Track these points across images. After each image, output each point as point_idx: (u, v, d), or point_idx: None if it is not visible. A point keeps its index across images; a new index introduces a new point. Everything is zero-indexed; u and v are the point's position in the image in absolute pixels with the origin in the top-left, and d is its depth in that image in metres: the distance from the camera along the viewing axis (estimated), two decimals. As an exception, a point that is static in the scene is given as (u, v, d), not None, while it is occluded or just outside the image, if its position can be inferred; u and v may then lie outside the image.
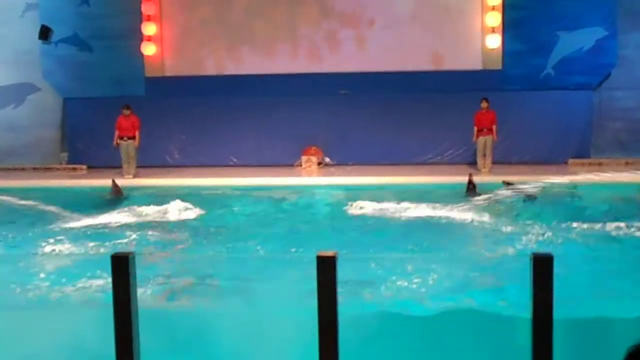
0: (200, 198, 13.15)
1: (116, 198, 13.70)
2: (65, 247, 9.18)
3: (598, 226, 10.00)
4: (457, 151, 17.81)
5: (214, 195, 13.60)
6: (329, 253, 4.63)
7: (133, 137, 16.30)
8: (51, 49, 18.98)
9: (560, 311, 4.20)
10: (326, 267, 4.57)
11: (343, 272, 4.44)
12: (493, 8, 17.59)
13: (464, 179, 13.69)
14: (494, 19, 17.56)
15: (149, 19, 18.57)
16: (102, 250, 8.93)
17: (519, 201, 11.94)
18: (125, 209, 12.17)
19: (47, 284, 7.25)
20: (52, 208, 11.17)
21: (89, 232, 10.24)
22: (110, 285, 4.62)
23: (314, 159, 17.79)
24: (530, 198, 12.14)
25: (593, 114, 17.62)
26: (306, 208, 12.65)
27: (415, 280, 7.13)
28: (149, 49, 18.61)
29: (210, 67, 18.90)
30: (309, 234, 10.37)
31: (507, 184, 12.68)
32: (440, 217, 11.00)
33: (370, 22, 18.21)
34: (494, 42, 17.65)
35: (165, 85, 18.74)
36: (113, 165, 16.87)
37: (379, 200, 12.32)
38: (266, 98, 18.14)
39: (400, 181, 14.98)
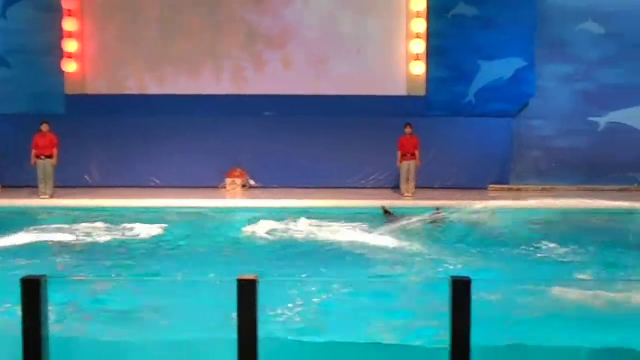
0: (118, 219, 12.84)
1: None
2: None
3: (504, 250, 10.37)
4: (381, 175, 17.96)
5: (132, 216, 13.26)
6: (250, 277, 4.56)
7: (51, 156, 15.77)
8: (-34, 64, 18.29)
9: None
10: (247, 291, 4.50)
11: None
12: (417, 36, 17.93)
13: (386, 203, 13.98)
14: (419, 46, 17.89)
15: (70, 35, 18.11)
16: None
17: (429, 227, 12.13)
18: (40, 230, 11.76)
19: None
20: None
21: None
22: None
23: (239, 181, 17.61)
24: (436, 223, 12.39)
25: (513, 141, 18.10)
26: (228, 230, 12.48)
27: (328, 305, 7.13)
28: (69, 66, 18.13)
29: (133, 86, 18.55)
30: (231, 257, 10.23)
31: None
32: (358, 242, 11.08)
33: (296, 45, 18.27)
34: (419, 69, 17.97)
35: (87, 104, 18.26)
36: (29, 184, 16.27)
37: (301, 222, 12.36)
38: (190, 119, 17.90)
39: (324, 204, 14.99)
